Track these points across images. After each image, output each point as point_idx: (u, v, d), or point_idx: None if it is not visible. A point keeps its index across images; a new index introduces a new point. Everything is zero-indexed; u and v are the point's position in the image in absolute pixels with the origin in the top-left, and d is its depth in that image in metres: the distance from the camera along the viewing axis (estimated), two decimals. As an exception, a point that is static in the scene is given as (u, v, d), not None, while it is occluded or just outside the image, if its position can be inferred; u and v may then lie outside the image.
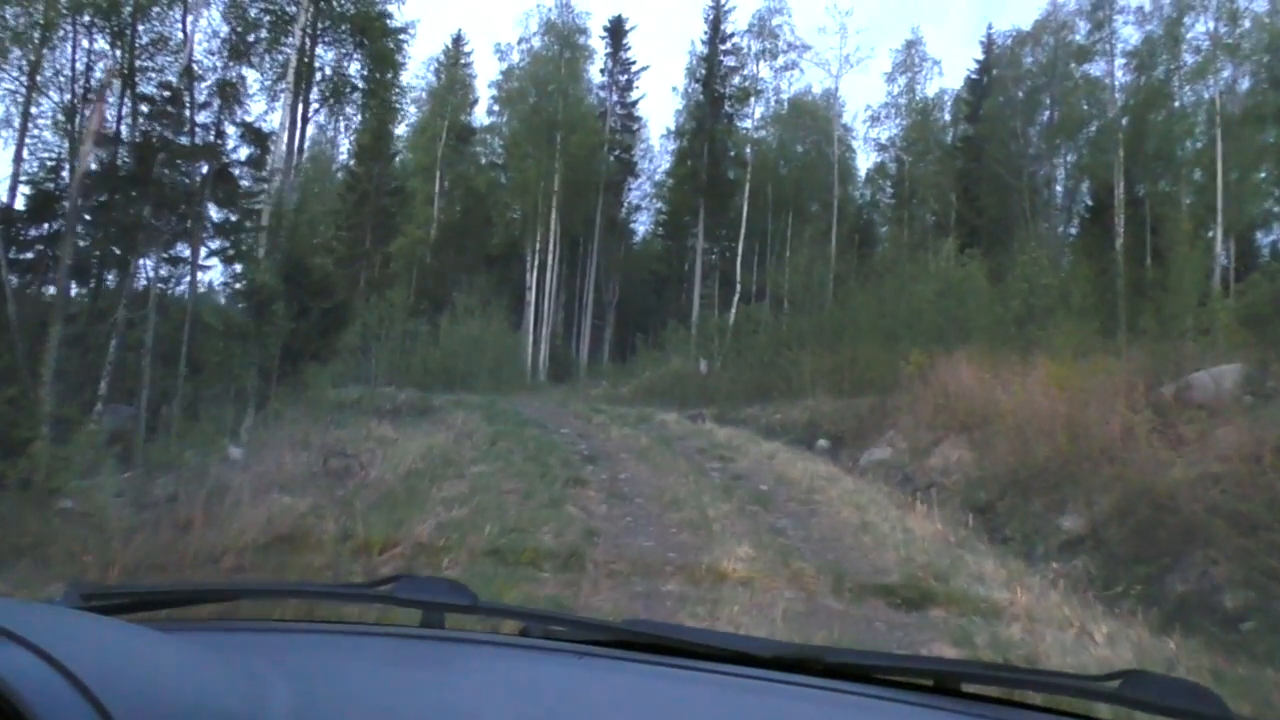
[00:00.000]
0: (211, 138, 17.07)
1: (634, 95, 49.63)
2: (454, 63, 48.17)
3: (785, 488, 13.12)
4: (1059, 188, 42.17)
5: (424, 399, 23.23)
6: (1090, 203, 38.28)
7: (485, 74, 62.42)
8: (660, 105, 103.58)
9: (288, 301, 17.10)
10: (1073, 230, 39.63)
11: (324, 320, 18.12)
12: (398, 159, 46.19)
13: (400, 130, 48.89)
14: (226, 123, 17.60)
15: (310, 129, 59.72)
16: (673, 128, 47.94)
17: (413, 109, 49.17)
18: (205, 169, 16.91)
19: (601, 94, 48.68)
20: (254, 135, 18.03)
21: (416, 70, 50.08)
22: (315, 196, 52.29)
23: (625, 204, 51.58)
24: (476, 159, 46.45)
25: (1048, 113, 40.17)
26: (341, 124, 52.49)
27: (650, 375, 36.62)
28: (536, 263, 43.49)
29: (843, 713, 1.59)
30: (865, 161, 50.87)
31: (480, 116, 49.33)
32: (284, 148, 19.63)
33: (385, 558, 8.83)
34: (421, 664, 1.72)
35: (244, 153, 18.68)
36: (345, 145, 48.16)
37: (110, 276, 17.76)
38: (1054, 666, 6.13)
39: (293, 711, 1.26)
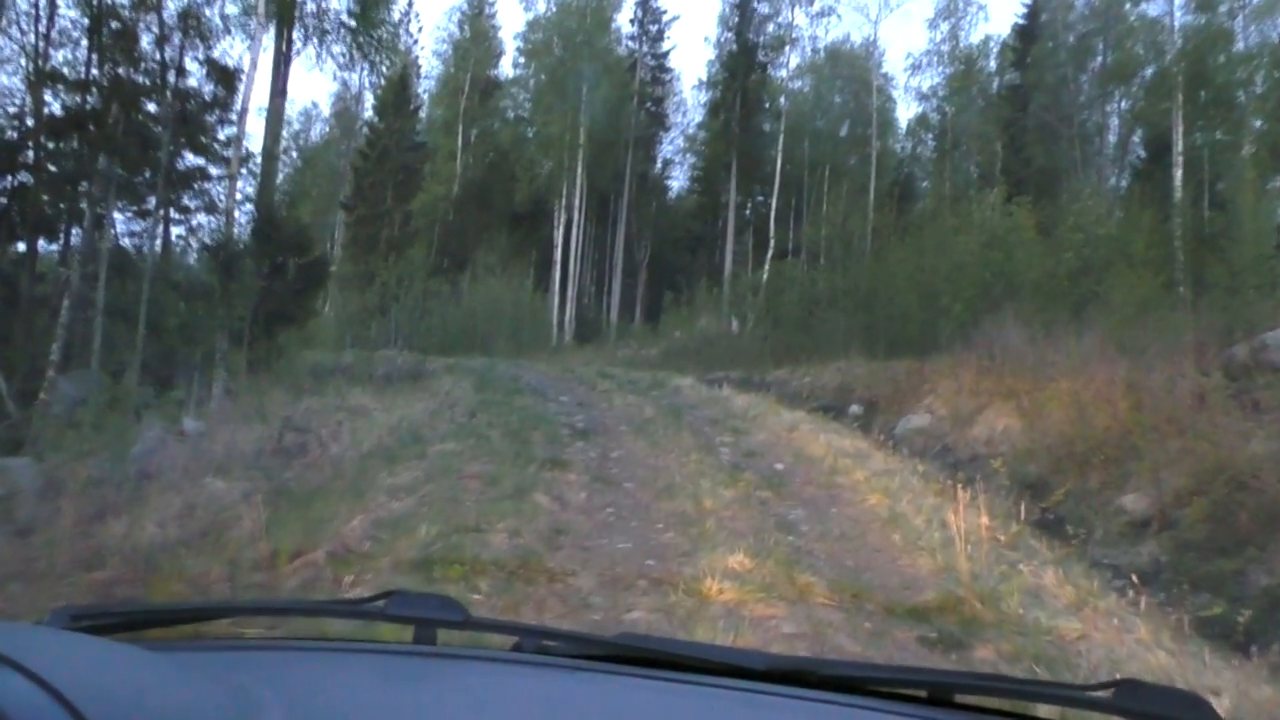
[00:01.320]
0: (172, 76, 15.14)
1: (665, 46, 47.35)
2: (477, 13, 46.01)
3: (804, 468, 11.13)
4: (1111, 137, 39.54)
5: (421, 363, 21.37)
6: (1144, 153, 35.82)
7: (510, 25, 60.37)
8: (693, 58, 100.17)
9: (258, 257, 15.27)
10: (1124, 182, 37.02)
11: (299, 278, 16.30)
12: (420, 113, 44.33)
13: (424, 87, 47.17)
14: (189, 59, 15.67)
15: (334, 85, 58.83)
16: (704, 79, 45.54)
17: (434, 61, 47.35)
18: (168, 111, 15.00)
19: (631, 45, 46.45)
20: (218, 72, 16.09)
21: (438, 21, 48.21)
22: (329, 150, 50.94)
23: (657, 159, 49.43)
24: (502, 113, 44.34)
25: (1100, 58, 37.52)
26: (365, 78, 51.50)
27: (680, 336, 34.76)
28: (563, 220, 41.49)
29: None
30: (906, 113, 48.18)
31: (506, 70, 47.28)
32: (249, 88, 17.73)
33: (293, 567, 6.98)
34: (413, 680, 1.65)
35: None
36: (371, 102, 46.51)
37: (76, 232, 16.04)
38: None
39: None
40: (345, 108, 52.61)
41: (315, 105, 55.68)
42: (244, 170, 16.39)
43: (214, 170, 16.27)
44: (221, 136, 16.44)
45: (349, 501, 8.78)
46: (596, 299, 46.18)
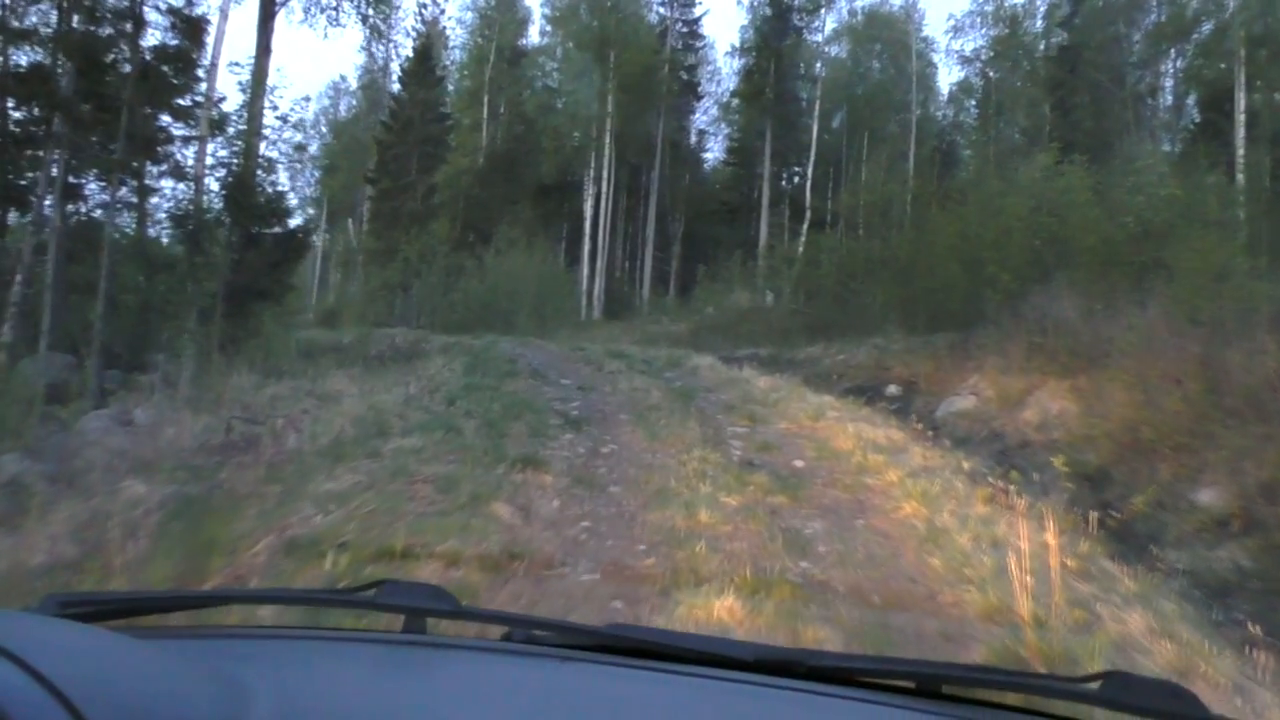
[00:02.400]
0: (130, 27, 13.48)
1: (696, 12, 45.33)
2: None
3: (828, 465, 9.37)
4: (1168, 97, 37.16)
5: (423, 340, 19.75)
6: (1201, 114, 33.48)
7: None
8: (725, 23, 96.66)
9: (231, 228, 13.65)
10: (1179, 146, 34.63)
11: (275, 250, 14.67)
12: (446, 84, 42.66)
13: (450, 58, 45.59)
14: (149, 8, 13.97)
15: (361, 57, 57.29)
16: (737, 45, 43.44)
17: (460, 30, 45.69)
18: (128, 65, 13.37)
19: (662, 11, 44.51)
20: (182, 22, 14.39)
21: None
22: (356, 125, 49.42)
23: (690, 130, 47.51)
24: (528, 82, 42.48)
25: (1154, 14, 35.15)
26: (392, 49, 49.95)
27: (712, 312, 32.97)
28: (592, 192, 39.71)
29: (825, 715, 1.57)
30: (947, 78, 45.95)
31: (533, 38, 45.43)
32: (220, 42, 16.07)
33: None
34: (404, 669, 1.65)
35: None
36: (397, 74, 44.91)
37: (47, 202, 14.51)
38: None
39: (273, 718, 1.22)
40: (372, 80, 51.16)
41: (343, 79, 54.14)
42: (217, 134, 14.88)
43: (182, 132, 14.66)
44: (198, 97, 14.85)
45: (270, 514, 7.17)
46: (628, 273, 44.46)
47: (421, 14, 48.32)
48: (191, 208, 13.23)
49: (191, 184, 14.06)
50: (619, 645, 1.72)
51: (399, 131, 40.40)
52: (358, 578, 5.58)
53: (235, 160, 14.40)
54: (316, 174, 55.81)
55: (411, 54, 42.95)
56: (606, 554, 6.45)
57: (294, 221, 15.79)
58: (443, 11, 47.55)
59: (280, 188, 15.19)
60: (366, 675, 1.58)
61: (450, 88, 45.40)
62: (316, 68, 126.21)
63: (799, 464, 9.36)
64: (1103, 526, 9.21)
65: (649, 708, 1.55)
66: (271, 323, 14.04)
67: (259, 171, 14.56)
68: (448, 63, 45.91)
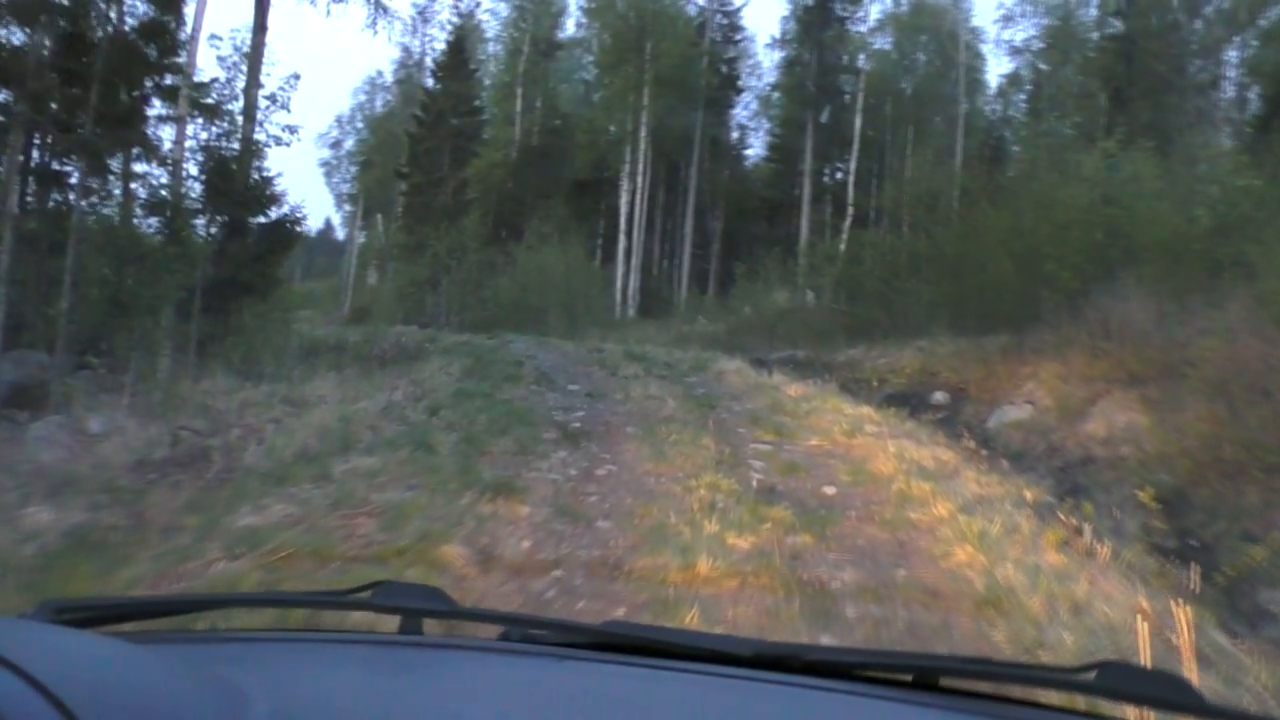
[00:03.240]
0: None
1: (736, 2, 43.66)
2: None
3: (864, 494, 7.79)
4: (1229, 89, 35.10)
5: (431, 339, 18.35)
6: (1265, 105, 31.41)
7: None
8: (766, 14, 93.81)
9: (212, 216, 12.28)
10: (1242, 141, 32.52)
11: (261, 241, 13.29)
12: (479, 77, 41.31)
13: (484, 50, 44.30)
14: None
15: (396, 51, 56.16)
16: (778, 36, 41.66)
17: (493, 21, 44.37)
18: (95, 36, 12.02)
19: (701, 2, 42.90)
20: (157, -10, 13.01)
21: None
22: (392, 120, 48.23)
23: (730, 124, 45.83)
24: (563, 75, 40.97)
25: (1215, 1, 33.11)
26: (428, 44, 48.73)
27: (749, 311, 31.37)
28: (627, 187, 38.18)
29: (824, 710, 1.53)
30: (996, 70, 43.96)
31: (568, 30, 43.94)
32: (201, 14, 14.70)
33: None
34: (400, 670, 1.61)
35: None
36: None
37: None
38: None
39: None
40: (408, 75, 49.95)
41: (380, 74, 52.75)
42: (199, 113, 13.50)
43: (160, 111, 13.27)
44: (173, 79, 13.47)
45: (166, 557, 5.76)
46: (665, 271, 42.91)
47: (457, 6, 47.14)
48: (168, 194, 11.86)
49: (169, 167, 12.68)
50: (616, 643, 1.68)
51: (431, 125, 39.16)
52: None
53: (218, 142, 13.06)
54: (353, 170, 54.88)
55: (445, 47, 41.77)
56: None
57: (295, 213, 14.22)
58: (478, 4, 46.20)
59: (267, 172, 13.83)
60: (363, 677, 1.54)
61: (486, 81, 44.08)
62: (352, 62, 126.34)
63: (829, 491, 7.81)
64: (1176, 554, 7.74)
65: (647, 705, 1.51)
66: (254, 319, 12.64)
67: (246, 154, 13.25)
68: (481, 56, 44.54)
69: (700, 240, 42.68)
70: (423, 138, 39.26)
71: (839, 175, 41.17)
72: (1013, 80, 41.53)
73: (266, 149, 13.65)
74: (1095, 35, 37.06)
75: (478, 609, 2.42)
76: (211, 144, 13.27)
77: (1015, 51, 38.76)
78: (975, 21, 41.24)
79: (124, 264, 11.56)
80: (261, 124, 14.15)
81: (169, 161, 12.91)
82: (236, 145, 13.75)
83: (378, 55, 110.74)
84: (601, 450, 8.87)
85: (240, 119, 15.24)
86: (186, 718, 1.13)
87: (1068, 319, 15.00)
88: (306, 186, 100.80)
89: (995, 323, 17.47)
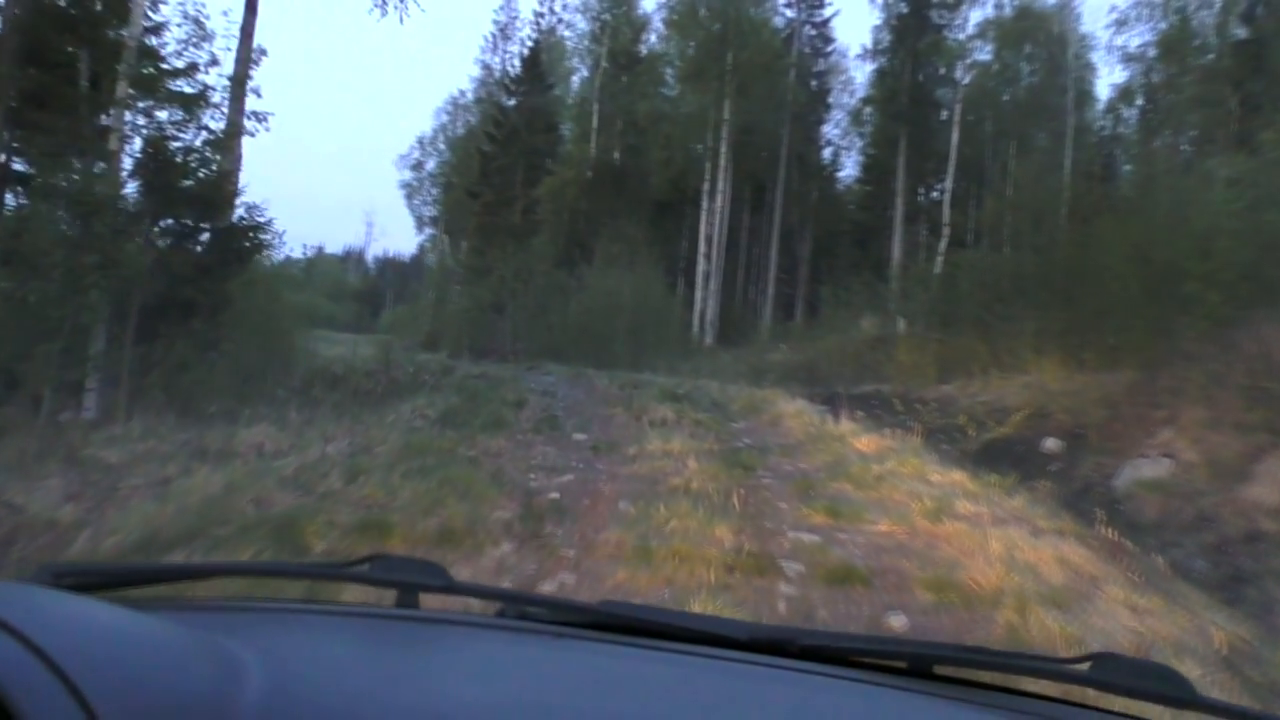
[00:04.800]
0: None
1: (825, 12, 40.74)
2: (616, -22, 40.12)
3: (953, 630, 4.84)
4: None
5: (443, 371, 15.78)
6: None
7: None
8: (857, 25, 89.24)
9: (150, 218, 9.83)
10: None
11: (213, 250, 10.83)
12: (555, 92, 38.97)
13: (560, 65, 42.05)
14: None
15: (475, 69, 54.30)
16: (869, 46, 38.46)
17: (568, 33, 42.07)
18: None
19: (788, 13, 40.08)
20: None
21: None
22: (472, 140, 46.21)
23: (820, 141, 42.85)
24: (642, 90, 38.32)
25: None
26: (507, 61, 46.68)
27: (835, 339, 28.32)
28: (706, 206, 35.43)
29: (817, 694, 1.50)
30: (1107, 80, 40.22)
31: (649, 43, 41.32)
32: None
33: None
34: (396, 644, 1.59)
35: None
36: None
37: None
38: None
39: (267, 690, 1.16)
40: (489, 94, 47.97)
41: (462, 93, 50.84)
42: (143, 96, 11.07)
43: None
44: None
45: None
46: (746, 296, 40.03)
47: (539, 22, 45.02)
48: (81, 191, 9.41)
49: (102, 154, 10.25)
50: (612, 623, 1.67)
51: (504, 142, 36.98)
52: None
53: (164, 129, 10.59)
54: (434, 192, 53.08)
55: (520, 61, 39.67)
56: None
57: (254, 217, 11.60)
58: (559, 19, 44.00)
59: (219, 168, 11.24)
60: (359, 649, 1.52)
61: (564, 97, 41.78)
62: (435, 83, 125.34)
63: (897, 624, 4.89)
64: None
65: (642, 685, 1.48)
66: (191, 347, 10.10)
67: (205, 148, 10.81)
68: (559, 71, 42.23)
69: (787, 264, 39.86)
70: (495, 155, 37.11)
71: (934, 194, 37.95)
72: (1122, 94, 37.84)
73: (219, 139, 11.14)
74: (1215, 40, 33.35)
75: (475, 584, 1.99)
76: (154, 133, 10.78)
77: (1129, 59, 35.04)
78: (1084, 27, 37.34)
79: (29, 276, 9.11)
80: (222, 110, 11.76)
81: (111, 153, 10.50)
82: (197, 136, 11.44)
83: (462, 75, 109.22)
84: (567, 542, 6.02)
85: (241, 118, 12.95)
86: (184, 684, 1.11)
87: (1216, 352, 11.87)
88: (390, 208, 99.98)
89: (1119, 355, 14.37)
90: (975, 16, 35.38)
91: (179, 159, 10.36)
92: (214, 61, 12.10)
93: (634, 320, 28.30)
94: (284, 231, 26.27)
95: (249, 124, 11.90)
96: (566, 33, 43.23)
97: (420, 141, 53.29)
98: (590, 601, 1.91)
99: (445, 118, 51.93)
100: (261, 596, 1.96)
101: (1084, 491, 11.33)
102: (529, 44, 42.62)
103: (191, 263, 10.50)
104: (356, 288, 76.82)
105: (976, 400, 15.97)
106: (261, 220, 11.45)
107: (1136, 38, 34.15)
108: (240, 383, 12.64)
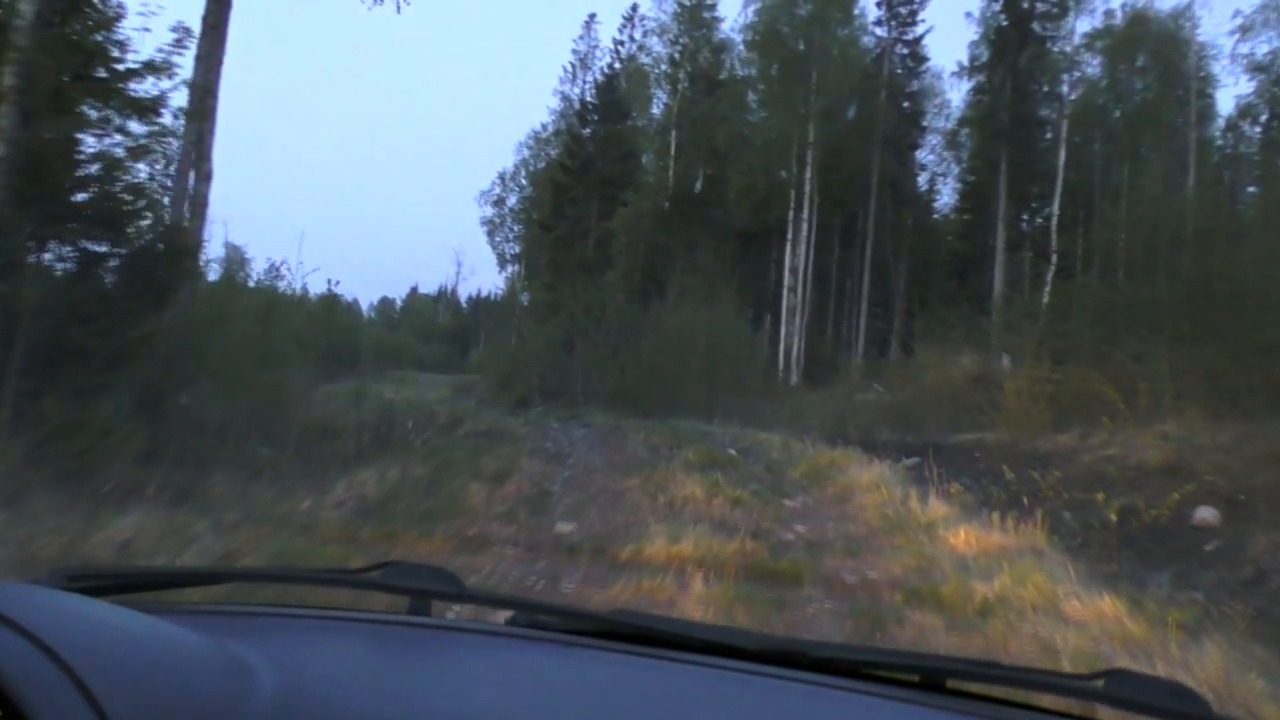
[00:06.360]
0: None
1: (918, 30, 37.83)
2: (696, 2, 37.68)
3: None
4: None
5: (452, 422, 13.31)
6: None
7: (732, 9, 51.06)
8: (951, 44, 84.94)
9: (39, 239, 7.51)
10: None
11: (123, 283, 8.43)
12: (630, 119, 36.64)
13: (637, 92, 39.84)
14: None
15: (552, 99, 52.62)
16: (965, 63, 35.33)
17: (644, 57, 39.86)
18: None
19: (879, 32, 37.29)
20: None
21: (646, 9, 40.67)
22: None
23: (914, 167, 39.84)
24: (722, 115, 35.77)
25: None
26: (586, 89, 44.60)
27: (932, 376, 25.27)
28: (791, 237, 32.69)
29: (827, 707, 1.48)
30: (1231, 91, 36.56)
31: (734, 67, 38.80)
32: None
33: None
34: (407, 651, 1.58)
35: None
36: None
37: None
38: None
39: (278, 696, 1.15)
40: (568, 125, 46.03)
41: (544, 126, 48.89)
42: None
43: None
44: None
45: None
46: (838, 331, 37.13)
47: (617, 50, 42.93)
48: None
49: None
50: (623, 632, 1.64)
51: (578, 173, 34.71)
52: None
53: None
54: (516, 229, 51.23)
55: (595, 89, 37.56)
56: None
57: (172, 238, 9.11)
58: (638, 46, 41.83)
59: (136, 178, 8.80)
60: (371, 656, 1.51)
61: (643, 125, 39.48)
62: (523, 118, 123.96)
63: None
64: None
65: (651, 695, 1.47)
66: (78, 405, 7.70)
67: (125, 155, 8.46)
68: (639, 98, 39.96)
69: (879, 297, 36.87)
70: (569, 186, 34.88)
71: (1039, 221, 34.72)
72: (1244, 111, 34.21)
73: (140, 146, 8.75)
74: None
75: (487, 592, 2.27)
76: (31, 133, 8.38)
77: (1257, 69, 31.47)
78: (1204, 34, 33.76)
79: None
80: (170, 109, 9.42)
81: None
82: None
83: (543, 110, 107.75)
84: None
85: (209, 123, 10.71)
86: (195, 688, 1.11)
87: None
88: (476, 247, 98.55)
89: (1285, 400, 11.32)
90: (1082, 27, 32.24)
91: (69, 166, 8.02)
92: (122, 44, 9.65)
93: (709, 359, 25.64)
94: (251, 257, 23.88)
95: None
96: (645, 59, 41.02)
97: (501, 176, 51.49)
98: (601, 610, 1.74)
99: (527, 152, 50.08)
100: (273, 602, 1.91)
101: (1256, 582, 8.42)
102: (606, 72, 40.54)
103: (94, 297, 8.14)
104: (447, 327, 75.33)
105: (1102, 455, 12.99)
106: (182, 244, 8.97)
107: (1264, 44, 30.72)
108: (202, 442, 10.36)
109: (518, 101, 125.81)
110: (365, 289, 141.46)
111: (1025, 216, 35.34)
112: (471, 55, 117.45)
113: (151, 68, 8.80)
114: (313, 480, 9.41)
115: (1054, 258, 29.76)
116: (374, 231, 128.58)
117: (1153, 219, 23.75)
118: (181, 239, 9.53)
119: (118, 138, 8.57)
